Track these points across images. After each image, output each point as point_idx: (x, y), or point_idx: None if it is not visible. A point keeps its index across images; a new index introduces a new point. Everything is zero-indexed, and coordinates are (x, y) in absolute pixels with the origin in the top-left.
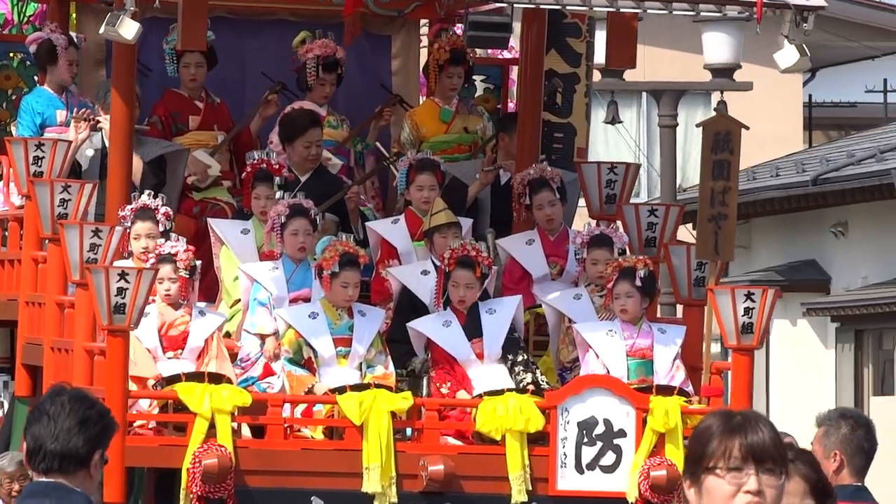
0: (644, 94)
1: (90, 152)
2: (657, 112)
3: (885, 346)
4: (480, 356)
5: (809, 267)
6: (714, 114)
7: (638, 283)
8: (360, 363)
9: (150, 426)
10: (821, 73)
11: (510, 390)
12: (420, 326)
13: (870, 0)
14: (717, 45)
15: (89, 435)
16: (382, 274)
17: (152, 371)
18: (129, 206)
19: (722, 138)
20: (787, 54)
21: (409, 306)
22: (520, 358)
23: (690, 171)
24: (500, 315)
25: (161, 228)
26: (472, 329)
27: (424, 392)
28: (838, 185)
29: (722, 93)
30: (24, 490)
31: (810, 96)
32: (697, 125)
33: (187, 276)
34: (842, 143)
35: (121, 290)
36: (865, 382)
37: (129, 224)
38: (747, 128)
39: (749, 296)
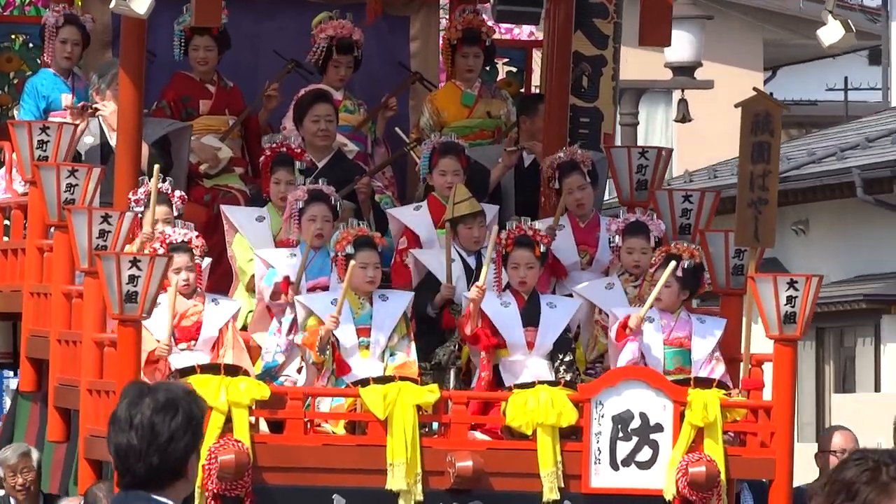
0: None
1: (89, 140)
2: (618, 110)
3: (847, 344)
4: (530, 345)
5: (770, 264)
6: (753, 95)
7: (679, 273)
8: (383, 352)
9: None
10: (781, 71)
11: (541, 383)
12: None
13: None
14: (679, 44)
15: (178, 448)
16: (406, 261)
17: (152, 343)
18: (141, 190)
19: (762, 119)
20: (832, 30)
21: (432, 293)
22: (567, 358)
23: None
24: (560, 311)
25: (175, 213)
26: (529, 316)
27: (451, 384)
28: (799, 184)
29: (683, 91)
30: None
31: (771, 94)
32: (735, 105)
33: (201, 263)
34: (802, 141)
35: (132, 278)
36: (826, 380)
37: (142, 208)
38: (788, 109)
39: (792, 284)
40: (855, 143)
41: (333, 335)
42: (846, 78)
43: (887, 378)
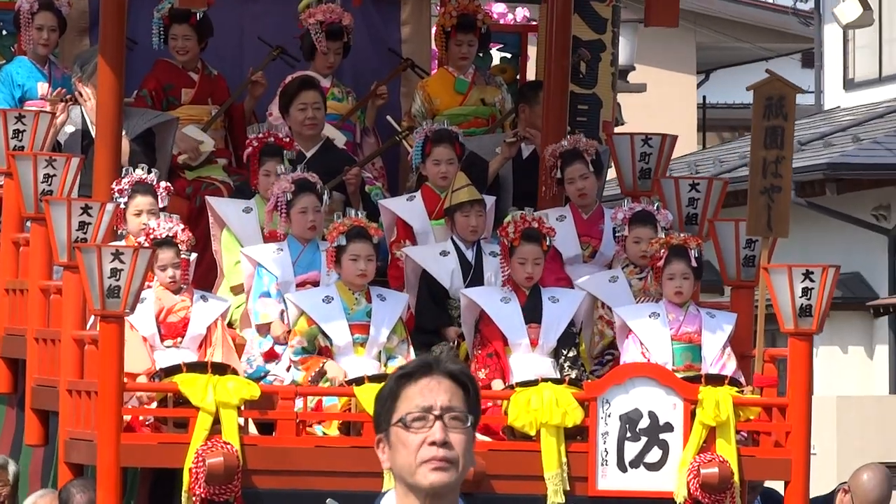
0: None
1: (70, 129)
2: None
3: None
4: (534, 343)
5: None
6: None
7: (693, 263)
8: (380, 352)
9: (147, 422)
10: (714, 74)
11: (545, 380)
12: (476, 296)
13: (762, 1)
14: None
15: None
16: (397, 255)
17: (145, 364)
18: (125, 179)
19: (774, 103)
20: (849, 8)
21: (427, 291)
22: (571, 353)
23: None
24: (563, 306)
25: (160, 204)
26: (531, 313)
27: None
28: (731, 187)
29: (615, 94)
30: None
31: (704, 97)
32: (748, 88)
33: (188, 258)
34: (735, 144)
35: (115, 272)
36: None
37: (125, 199)
38: (802, 91)
39: (808, 275)
40: None
41: (324, 334)
42: None
43: (820, 381)
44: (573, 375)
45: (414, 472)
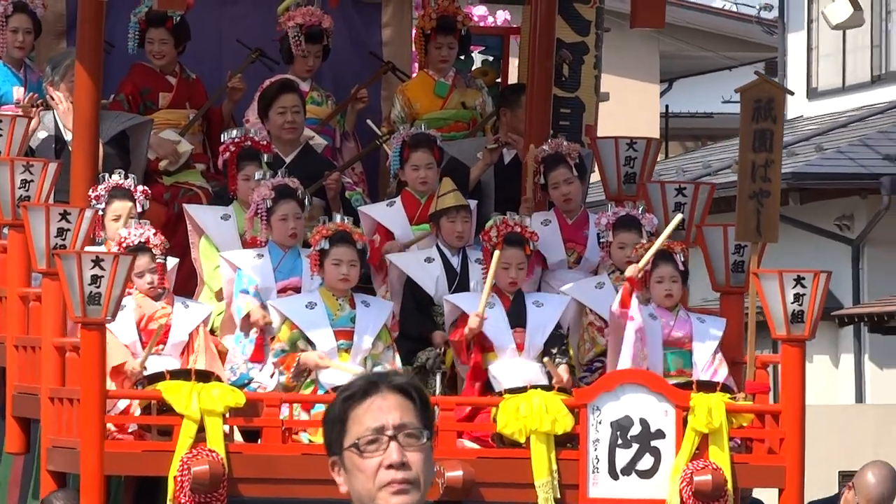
0: None
1: (42, 134)
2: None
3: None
4: (520, 347)
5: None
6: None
7: (680, 266)
8: (365, 358)
9: (130, 430)
10: (677, 83)
11: (534, 387)
12: (460, 302)
13: (726, 11)
14: None
15: None
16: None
17: (124, 356)
18: (101, 186)
19: (763, 105)
20: (839, 8)
21: (411, 299)
22: (561, 349)
23: None
24: (548, 311)
25: (139, 209)
26: (515, 317)
27: (437, 390)
28: None
29: None
30: None
31: (667, 107)
32: (736, 90)
33: (163, 262)
34: (698, 153)
35: (95, 279)
36: None
37: (102, 205)
38: (791, 93)
39: (799, 280)
40: None
41: (307, 340)
42: None
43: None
44: (564, 361)
45: (374, 497)
